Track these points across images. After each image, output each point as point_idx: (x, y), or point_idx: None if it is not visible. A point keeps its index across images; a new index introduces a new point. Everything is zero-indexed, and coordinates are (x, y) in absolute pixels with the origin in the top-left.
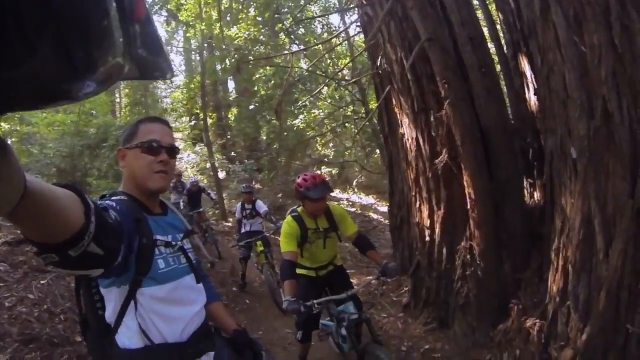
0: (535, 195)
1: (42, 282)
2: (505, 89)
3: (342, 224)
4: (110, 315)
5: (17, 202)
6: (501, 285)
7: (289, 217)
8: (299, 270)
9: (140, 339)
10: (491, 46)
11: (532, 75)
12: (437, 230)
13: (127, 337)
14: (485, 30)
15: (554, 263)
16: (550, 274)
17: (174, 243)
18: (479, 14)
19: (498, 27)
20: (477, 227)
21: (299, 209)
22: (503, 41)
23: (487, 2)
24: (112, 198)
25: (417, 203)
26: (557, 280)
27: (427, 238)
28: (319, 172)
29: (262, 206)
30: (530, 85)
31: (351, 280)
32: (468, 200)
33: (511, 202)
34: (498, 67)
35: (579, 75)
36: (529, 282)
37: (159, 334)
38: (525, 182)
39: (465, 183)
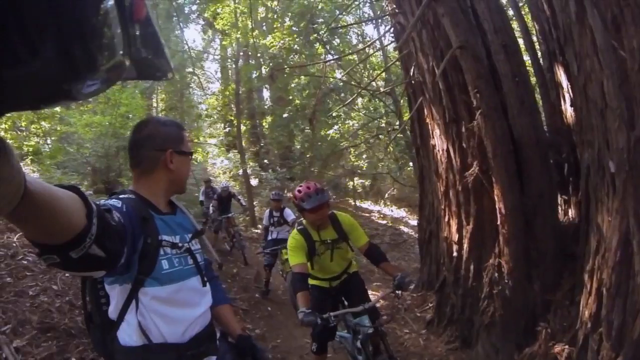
0: (569, 212)
1: (66, 274)
2: (540, 102)
3: (352, 234)
4: (113, 311)
5: (18, 202)
6: (529, 306)
7: (294, 231)
8: (311, 281)
9: (139, 337)
10: (526, 58)
11: (569, 86)
12: (465, 245)
13: (127, 334)
14: (521, 42)
15: (587, 285)
16: (583, 297)
17: (180, 244)
18: (514, 24)
19: (534, 38)
20: (507, 244)
21: (304, 222)
22: (539, 53)
23: (522, 10)
24: (120, 197)
25: (446, 217)
26: (590, 304)
27: (455, 253)
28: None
29: (290, 214)
30: (567, 97)
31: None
32: (498, 215)
33: (543, 218)
34: (533, 79)
35: (618, 82)
36: (559, 305)
37: (159, 334)
38: (559, 198)
39: (495, 197)
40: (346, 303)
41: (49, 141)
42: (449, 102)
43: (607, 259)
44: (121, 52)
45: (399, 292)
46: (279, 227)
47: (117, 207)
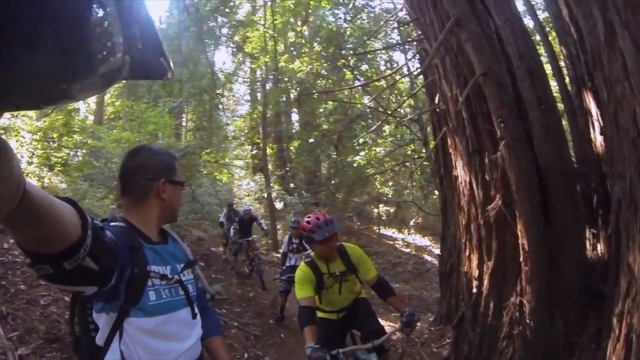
0: (598, 248)
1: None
2: (568, 129)
3: (361, 267)
4: (100, 338)
5: (16, 203)
6: (552, 348)
7: (302, 264)
8: (319, 314)
9: None
10: (553, 84)
11: (598, 113)
12: (486, 281)
13: None
14: (548, 67)
15: (616, 330)
16: (610, 341)
17: (170, 276)
18: (540, 49)
19: (562, 63)
20: (529, 282)
21: (312, 254)
22: (567, 79)
23: (549, 34)
24: (110, 224)
25: (467, 251)
26: (618, 351)
27: (475, 289)
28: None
29: None
30: (596, 124)
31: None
32: (521, 251)
33: (569, 254)
34: (560, 106)
35: None
36: (584, 348)
37: None
38: (587, 232)
39: (518, 233)
40: (353, 334)
41: (79, 153)
42: (472, 132)
43: (638, 302)
44: (121, 52)
45: (407, 329)
46: (298, 253)
47: (110, 229)
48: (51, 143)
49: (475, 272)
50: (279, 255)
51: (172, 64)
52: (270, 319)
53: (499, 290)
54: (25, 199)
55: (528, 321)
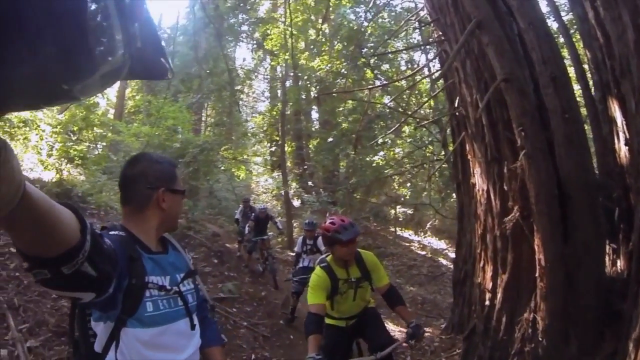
0: (617, 264)
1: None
2: (591, 137)
3: (374, 273)
4: (98, 345)
5: (16, 203)
6: None
7: (318, 268)
8: (327, 320)
9: None
10: (577, 87)
11: (624, 122)
12: (499, 295)
13: None
14: (571, 70)
15: (631, 355)
16: None
17: (169, 287)
18: (564, 52)
19: (585, 66)
20: (544, 299)
21: (328, 259)
22: (590, 83)
23: (573, 38)
24: (110, 233)
25: (481, 261)
26: None
27: (487, 302)
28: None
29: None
30: (621, 134)
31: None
32: (537, 266)
33: (587, 271)
34: (584, 111)
35: None
36: None
37: None
38: (607, 247)
39: (535, 247)
40: (359, 343)
41: (99, 146)
42: (492, 139)
43: None
44: (121, 51)
45: (412, 341)
46: (312, 255)
47: (109, 238)
48: (71, 135)
49: (489, 284)
50: (294, 254)
51: (172, 64)
52: (281, 320)
53: (512, 305)
54: (25, 200)
55: (541, 339)
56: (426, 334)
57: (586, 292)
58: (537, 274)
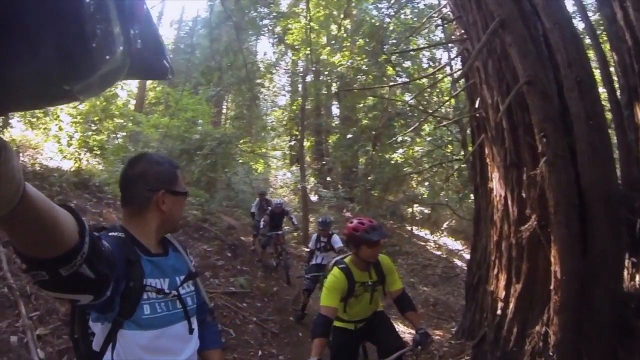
0: (636, 279)
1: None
2: (615, 144)
3: (389, 277)
4: (95, 345)
5: (16, 203)
6: None
7: (335, 269)
8: (336, 323)
9: None
10: (602, 91)
11: None
12: (511, 305)
13: None
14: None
15: None
16: None
17: (167, 291)
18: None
19: (612, 69)
20: (557, 313)
21: (347, 260)
22: (617, 87)
23: (600, 39)
24: (109, 234)
25: (495, 269)
26: None
27: (499, 311)
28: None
29: (337, 242)
30: None
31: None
32: (552, 278)
33: (604, 285)
34: (609, 117)
35: None
36: None
37: None
38: (626, 261)
39: (552, 258)
40: (366, 344)
41: (119, 136)
42: (512, 144)
43: None
44: (121, 51)
45: (418, 348)
46: (325, 252)
47: (107, 240)
48: (92, 125)
49: (502, 293)
50: (308, 250)
51: (171, 64)
52: (291, 317)
53: (524, 316)
54: (24, 199)
55: (551, 354)
56: (436, 337)
57: (601, 308)
58: (551, 286)
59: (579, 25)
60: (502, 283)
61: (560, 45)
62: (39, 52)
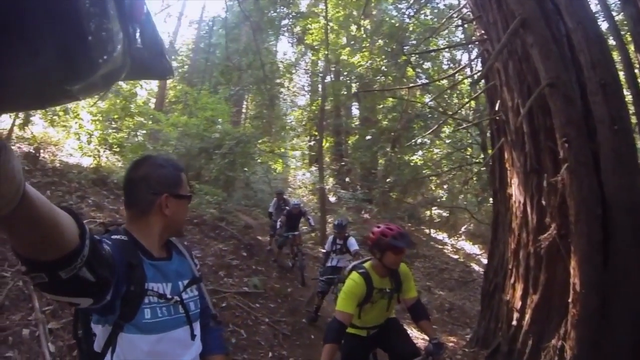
0: None
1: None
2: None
3: (405, 284)
4: (97, 346)
5: (17, 203)
6: None
7: (355, 274)
8: (348, 329)
9: None
10: (627, 94)
11: None
12: (527, 316)
13: None
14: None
15: None
16: None
17: (170, 296)
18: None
19: (637, 72)
20: (575, 327)
21: (367, 265)
22: None
23: (624, 39)
24: (112, 237)
25: (512, 278)
26: None
27: (514, 322)
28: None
29: (353, 244)
30: None
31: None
32: (571, 291)
33: (624, 300)
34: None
35: None
36: None
37: None
38: None
39: (571, 270)
40: (377, 351)
41: (139, 133)
42: (532, 149)
43: None
44: (121, 52)
45: (430, 358)
46: (341, 255)
47: (108, 244)
48: (112, 123)
49: (518, 303)
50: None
51: (172, 64)
52: (304, 318)
53: (540, 329)
54: (25, 200)
55: None
56: (450, 344)
57: (621, 324)
58: (570, 299)
59: (603, 25)
60: (518, 293)
61: (584, 45)
62: (39, 52)
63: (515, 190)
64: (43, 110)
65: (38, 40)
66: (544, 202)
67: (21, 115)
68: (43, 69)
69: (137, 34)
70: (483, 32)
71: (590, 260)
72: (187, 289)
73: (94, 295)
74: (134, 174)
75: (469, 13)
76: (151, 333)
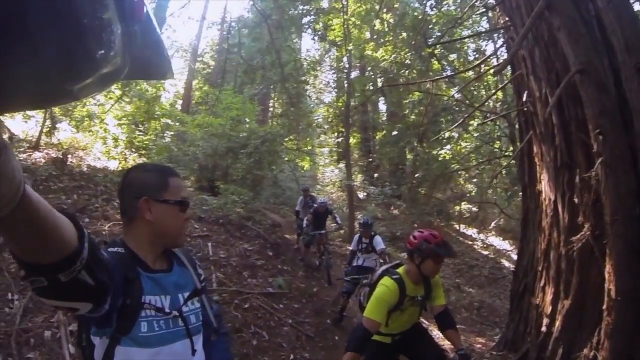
0: None
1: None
2: None
3: (434, 291)
4: (96, 355)
5: (16, 203)
6: None
7: (389, 281)
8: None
9: None
10: None
11: None
12: (558, 322)
13: None
14: None
15: None
16: None
17: (168, 310)
18: None
19: None
20: (609, 336)
21: (401, 271)
22: None
23: None
24: (109, 250)
25: (542, 281)
26: None
27: (544, 328)
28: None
29: (379, 243)
30: None
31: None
32: (605, 297)
33: None
34: None
35: None
36: None
37: None
38: None
39: (606, 274)
40: (400, 357)
41: (166, 135)
42: (563, 142)
43: None
44: (121, 51)
45: None
46: (367, 254)
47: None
48: (139, 126)
49: (548, 308)
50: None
51: (173, 64)
52: (328, 319)
53: (571, 337)
54: (24, 201)
55: None
56: (477, 346)
57: None
58: (604, 306)
59: (635, 4)
60: (549, 297)
61: (616, 26)
62: (39, 52)
63: (545, 187)
64: (69, 117)
65: (38, 40)
66: (576, 200)
67: (48, 122)
68: (43, 69)
69: (138, 34)
70: (507, 18)
71: (628, 264)
72: (188, 302)
73: (93, 300)
74: (122, 181)
75: (492, 0)
76: (148, 346)
